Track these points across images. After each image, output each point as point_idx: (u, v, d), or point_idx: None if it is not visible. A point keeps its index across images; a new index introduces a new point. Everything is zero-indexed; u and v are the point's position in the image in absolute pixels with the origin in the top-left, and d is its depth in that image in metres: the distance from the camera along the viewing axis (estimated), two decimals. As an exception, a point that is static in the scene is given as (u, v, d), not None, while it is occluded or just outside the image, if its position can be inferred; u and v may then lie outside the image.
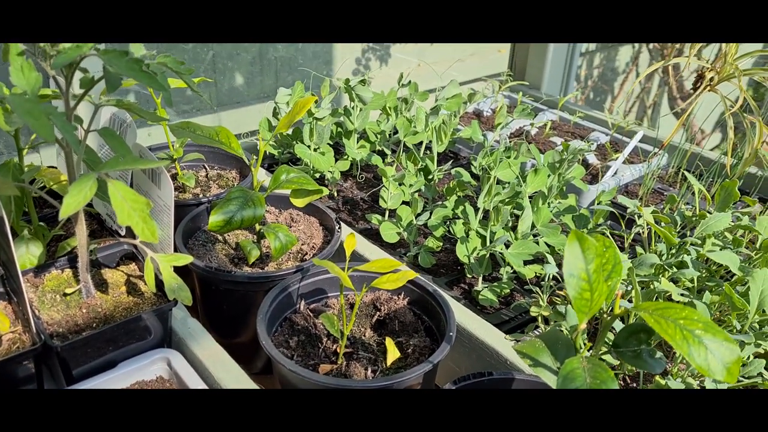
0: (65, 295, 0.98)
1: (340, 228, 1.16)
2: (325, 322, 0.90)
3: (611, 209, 1.19)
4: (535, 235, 1.17)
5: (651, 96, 3.52)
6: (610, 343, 0.69)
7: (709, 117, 1.36)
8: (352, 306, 1.05)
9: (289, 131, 1.59)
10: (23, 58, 0.79)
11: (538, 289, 1.05)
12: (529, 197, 1.19)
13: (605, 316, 0.68)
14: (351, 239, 0.92)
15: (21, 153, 1.01)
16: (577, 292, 0.62)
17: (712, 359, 0.59)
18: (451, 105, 1.44)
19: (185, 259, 0.95)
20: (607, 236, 1.19)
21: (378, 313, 1.03)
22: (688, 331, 0.60)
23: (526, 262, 1.14)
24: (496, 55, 2.45)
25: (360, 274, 1.03)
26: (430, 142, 1.38)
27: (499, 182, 1.19)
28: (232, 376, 0.93)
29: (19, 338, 0.91)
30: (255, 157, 1.04)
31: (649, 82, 3.54)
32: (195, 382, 0.93)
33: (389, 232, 1.23)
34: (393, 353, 0.92)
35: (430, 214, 1.22)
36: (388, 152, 1.62)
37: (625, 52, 3.37)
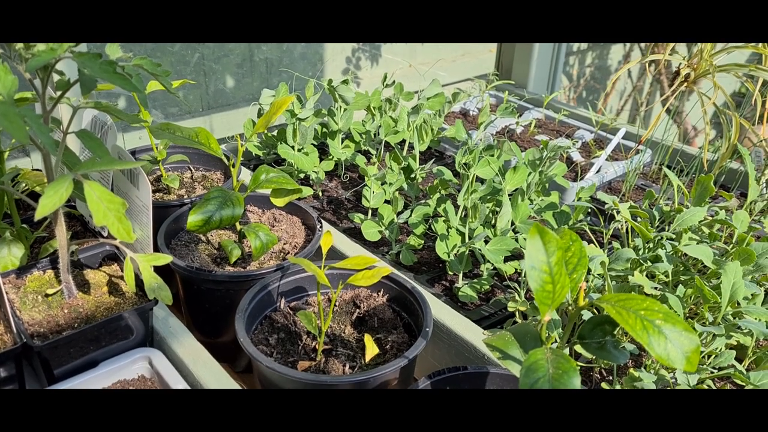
0: (47, 295, 0.99)
1: (321, 227, 1.17)
2: (302, 320, 0.91)
3: (591, 206, 1.21)
4: (514, 232, 1.18)
5: (643, 94, 3.54)
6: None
7: (704, 115, 1.38)
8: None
9: (274, 132, 1.60)
10: (-1, 61, 0.80)
11: (516, 285, 1.06)
12: (509, 194, 1.20)
13: (570, 308, 0.69)
14: (327, 237, 0.93)
15: (1, 156, 1.02)
16: (539, 285, 0.63)
17: (671, 348, 0.60)
18: (434, 104, 1.45)
19: (164, 258, 0.96)
20: (585, 231, 1.20)
21: (357, 310, 1.04)
22: (649, 321, 0.61)
23: (506, 259, 1.15)
24: (487, 54, 2.46)
25: (338, 272, 1.04)
26: (413, 142, 1.39)
27: (479, 180, 1.21)
28: (213, 374, 0.94)
29: (0, 338, 0.92)
30: (234, 157, 1.05)
31: (640, 81, 3.56)
32: (176, 381, 0.93)
33: (371, 231, 1.24)
34: (372, 349, 0.93)
35: (411, 212, 1.24)
36: (374, 152, 1.63)
37: (616, 50, 3.39)
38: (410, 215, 1.23)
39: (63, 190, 0.79)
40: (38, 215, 0.76)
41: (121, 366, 0.97)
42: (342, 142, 1.56)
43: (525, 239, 1.17)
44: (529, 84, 2.27)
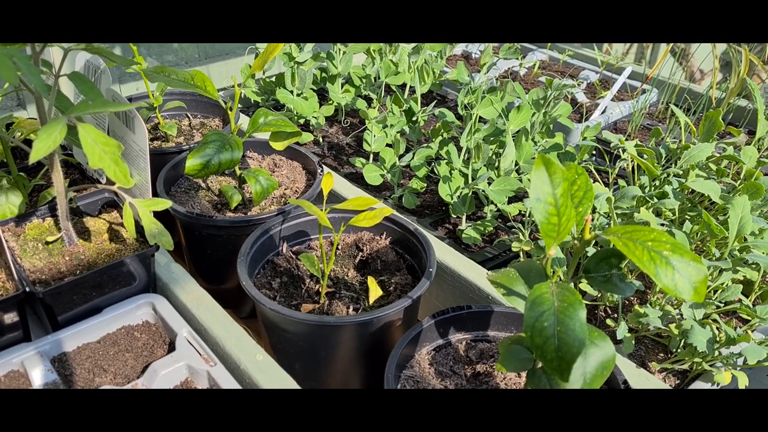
0: (47, 243, 0.98)
1: (322, 171, 1.15)
2: (305, 262, 0.90)
3: (596, 145, 1.18)
4: (518, 173, 1.17)
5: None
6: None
7: (713, 48, 1.34)
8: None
9: (273, 78, 1.56)
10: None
11: (520, 225, 1.05)
12: (513, 135, 1.18)
13: (576, 243, 0.68)
14: (328, 179, 0.91)
15: (-6, 102, 0.99)
16: (544, 217, 0.61)
17: (679, 279, 0.59)
18: (435, 45, 1.41)
19: (164, 203, 0.95)
20: (591, 171, 1.18)
21: (360, 253, 1.03)
22: (656, 253, 0.60)
23: (509, 201, 1.14)
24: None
25: (339, 215, 1.03)
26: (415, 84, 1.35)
27: (482, 120, 1.18)
28: (217, 319, 0.94)
29: (2, 286, 0.92)
30: (231, 101, 1.03)
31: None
32: (179, 326, 0.93)
33: (372, 174, 1.22)
34: (375, 291, 0.93)
35: (413, 155, 1.22)
36: (374, 96, 1.60)
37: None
38: (412, 158, 1.21)
39: (57, 132, 0.77)
40: (32, 158, 0.75)
41: (124, 312, 0.97)
42: (342, 87, 1.53)
43: (529, 179, 1.15)
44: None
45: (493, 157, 1.18)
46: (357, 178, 1.32)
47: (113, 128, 1.00)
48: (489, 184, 1.11)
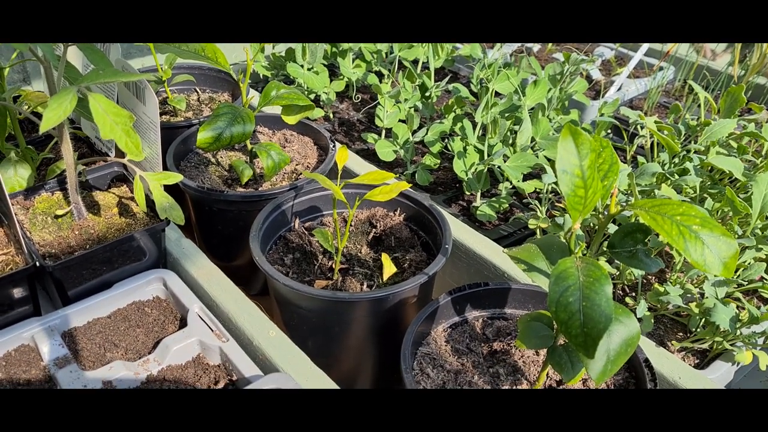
0: (56, 217, 0.97)
1: (334, 146, 1.13)
2: (319, 238, 0.89)
3: (614, 122, 1.16)
4: (534, 149, 1.14)
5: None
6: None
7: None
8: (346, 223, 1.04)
9: (282, 52, 1.54)
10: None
11: (536, 202, 1.03)
12: (529, 111, 1.16)
13: (600, 217, 0.66)
14: (343, 152, 0.89)
15: (1, 72, 0.97)
16: (571, 189, 0.59)
17: (708, 254, 0.57)
18: (449, 19, 1.38)
19: (175, 177, 0.93)
20: (609, 148, 1.16)
21: (374, 230, 1.02)
22: (685, 227, 0.58)
23: (525, 177, 1.12)
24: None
25: (354, 191, 1.01)
26: (428, 59, 1.33)
27: (497, 96, 1.16)
28: (230, 294, 0.93)
29: (12, 260, 0.91)
30: (242, 73, 1.01)
31: None
32: (191, 302, 0.92)
33: (385, 150, 1.20)
34: (389, 268, 0.91)
35: (427, 130, 1.19)
36: (386, 72, 1.57)
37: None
38: (426, 133, 1.19)
39: (67, 102, 0.75)
40: (43, 128, 0.73)
41: (135, 287, 0.95)
42: (353, 62, 1.50)
43: (546, 156, 1.13)
44: None
45: (508, 133, 1.16)
46: (369, 155, 1.30)
47: (122, 100, 0.98)
48: (504, 160, 1.09)
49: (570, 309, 0.57)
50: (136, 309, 0.94)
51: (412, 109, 1.20)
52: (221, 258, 1.12)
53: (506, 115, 1.15)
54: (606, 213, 0.65)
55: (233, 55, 1.80)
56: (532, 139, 1.13)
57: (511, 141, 1.18)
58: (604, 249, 0.67)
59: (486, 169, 1.10)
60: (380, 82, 1.52)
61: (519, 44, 1.78)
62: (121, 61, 0.94)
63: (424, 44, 1.30)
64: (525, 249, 0.71)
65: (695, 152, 1.02)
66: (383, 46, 1.55)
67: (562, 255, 0.69)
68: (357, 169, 1.19)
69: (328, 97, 1.42)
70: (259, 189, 1.07)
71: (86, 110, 0.86)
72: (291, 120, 1.04)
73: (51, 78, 0.86)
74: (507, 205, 1.12)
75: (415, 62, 1.51)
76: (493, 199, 1.12)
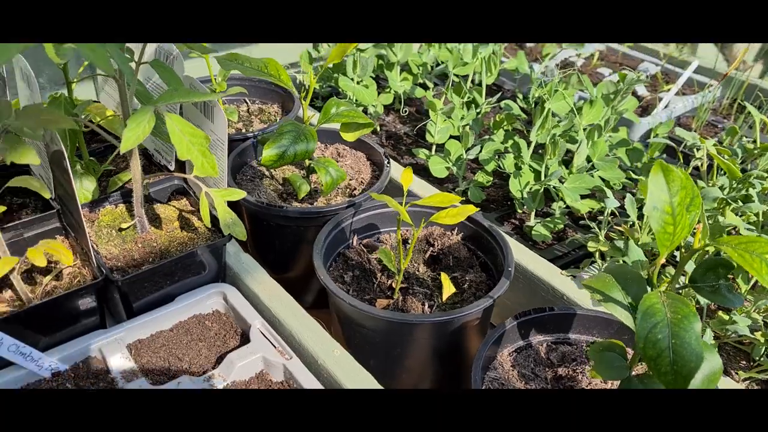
0: (120, 229, 0.98)
1: (389, 163, 1.14)
2: (382, 257, 0.89)
3: (669, 143, 1.15)
4: (591, 169, 1.14)
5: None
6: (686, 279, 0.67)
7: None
8: (405, 241, 1.04)
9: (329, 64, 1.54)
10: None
11: (594, 224, 1.03)
12: (584, 130, 1.15)
13: (683, 251, 0.66)
14: (407, 174, 0.90)
15: (70, 86, 0.99)
16: (660, 226, 0.59)
17: (800, 294, 0.57)
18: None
19: (239, 194, 0.94)
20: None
21: (431, 248, 1.02)
22: (776, 267, 0.58)
23: (581, 197, 1.11)
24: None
25: (415, 210, 1.02)
26: (475, 74, 1.33)
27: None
28: (291, 311, 0.94)
29: (78, 272, 0.92)
30: (305, 89, 1.02)
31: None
32: (252, 317, 0.93)
33: (438, 167, 1.20)
34: (448, 288, 0.92)
35: (481, 148, 1.19)
36: (430, 85, 1.57)
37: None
38: (480, 151, 1.19)
39: (145, 122, 0.77)
40: (123, 148, 0.74)
41: (196, 301, 0.96)
42: (399, 75, 1.51)
43: (601, 177, 1.13)
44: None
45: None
46: (417, 169, 1.31)
47: (188, 116, 1.00)
48: (561, 181, 1.09)
49: (659, 346, 0.57)
50: (198, 323, 0.96)
51: (467, 126, 1.20)
52: (275, 271, 1.13)
53: (560, 133, 1.15)
54: (689, 247, 0.65)
55: (280, 57, 1.81)
56: (589, 159, 1.13)
57: (561, 158, 1.18)
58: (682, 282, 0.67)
59: (542, 189, 1.10)
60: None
61: (563, 58, 1.77)
62: (189, 77, 0.95)
63: (476, 60, 1.31)
64: (600, 279, 0.71)
65: (757, 177, 1.02)
66: (429, 59, 1.56)
67: (639, 287, 0.69)
68: (412, 186, 1.19)
69: (376, 110, 1.42)
70: (315, 204, 1.08)
71: (156, 128, 0.87)
72: (350, 137, 1.05)
73: (124, 94, 0.87)
74: (562, 226, 1.11)
75: (463, 76, 1.52)
76: (548, 219, 1.12)
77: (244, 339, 0.92)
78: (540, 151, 1.20)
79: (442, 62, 1.46)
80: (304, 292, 1.16)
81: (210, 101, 0.91)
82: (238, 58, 1.00)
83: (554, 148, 1.04)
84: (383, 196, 0.85)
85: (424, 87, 1.58)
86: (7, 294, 0.91)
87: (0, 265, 0.80)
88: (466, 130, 1.16)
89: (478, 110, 1.31)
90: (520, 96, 1.35)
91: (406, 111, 1.50)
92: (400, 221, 0.88)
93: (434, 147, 1.30)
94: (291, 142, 0.96)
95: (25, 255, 0.82)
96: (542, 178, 1.09)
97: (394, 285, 0.94)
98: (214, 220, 0.97)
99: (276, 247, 1.10)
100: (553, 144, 1.05)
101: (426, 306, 0.91)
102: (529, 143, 1.14)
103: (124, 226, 0.98)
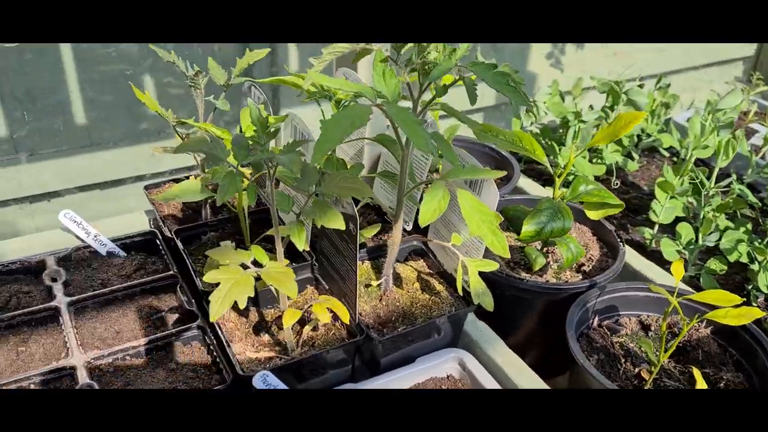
0: (366, 286, 1.02)
1: (623, 244, 1.12)
2: (644, 347, 0.88)
3: None
4: None
5: None
6: None
7: None
8: (644, 328, 1.02)
9: (537, 129, 1.56)
10: (385, 64, 0.82)
11: None
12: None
13: None
14: (678, 267, 0.87)
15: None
16: None
17: None
18: (729, 115, 1.34)
19: (492, 265, 0.95)
20: None
21: (674, 338, 0.99)
22: None
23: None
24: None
25: (680, 302, 0.99)
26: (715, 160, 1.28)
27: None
28: (532, 383, 0.93)
29: (332, 325, 0.97)
30: (560, 167, 1.03)
31: None
32: (489, 384, 0.94)
33: (669, 250, 1.17)
34: (701, 386, 0.88)
35: (721, 236, 1.15)
36: (636, 156, 1.55)
37: None
38: (719, 239, 1.15)
39: (440, 198, 0.80)
40: (422, 223, 0.78)
41: (434, 364, 0.98)
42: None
43: None
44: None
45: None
46: (634, 245, 1.27)
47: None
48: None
49: None
50: (434, 386, 0.97)
51: (712, 212, 1.16)
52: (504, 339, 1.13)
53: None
54: None
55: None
56: None
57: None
58: None
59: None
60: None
61: None
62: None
63: (713, 143, 1.27)
64: None
65: None
66: (635, 130, 1.53)
67: None
68: (634, 263, 1.17)
69: (589, 181, 1.41)
70: (545, 277, 1.08)
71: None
72: (594, 215, 1.04)
73: (405, 166, 0.91)
74: (813, 326, 1.05)
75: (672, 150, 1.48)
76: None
77: (484, 410, 0.92)
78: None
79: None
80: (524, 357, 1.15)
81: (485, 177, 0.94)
82: (492, 130, 1.02)
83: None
84: (659, 288, 0.83)
85: (630, 157, 1.55)
86: (265, 338, 0.97)
87: (288, 315, 0.85)
88: (710, 217, 1.12)
89: (704, 192, 1.26)
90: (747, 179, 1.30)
91: (617, 183, 1.48)
92: (668, 312, 0.86)
93: (657, 226, 1.27)
94: (549, 219, 0.96)
95: (309, 307, 0.87)
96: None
97: (643, 374, 0.92)
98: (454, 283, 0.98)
99: (504, 317, 1.10)
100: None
101: (682, 403, 0.88)
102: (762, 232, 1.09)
103: (373, 284, 1.02)
